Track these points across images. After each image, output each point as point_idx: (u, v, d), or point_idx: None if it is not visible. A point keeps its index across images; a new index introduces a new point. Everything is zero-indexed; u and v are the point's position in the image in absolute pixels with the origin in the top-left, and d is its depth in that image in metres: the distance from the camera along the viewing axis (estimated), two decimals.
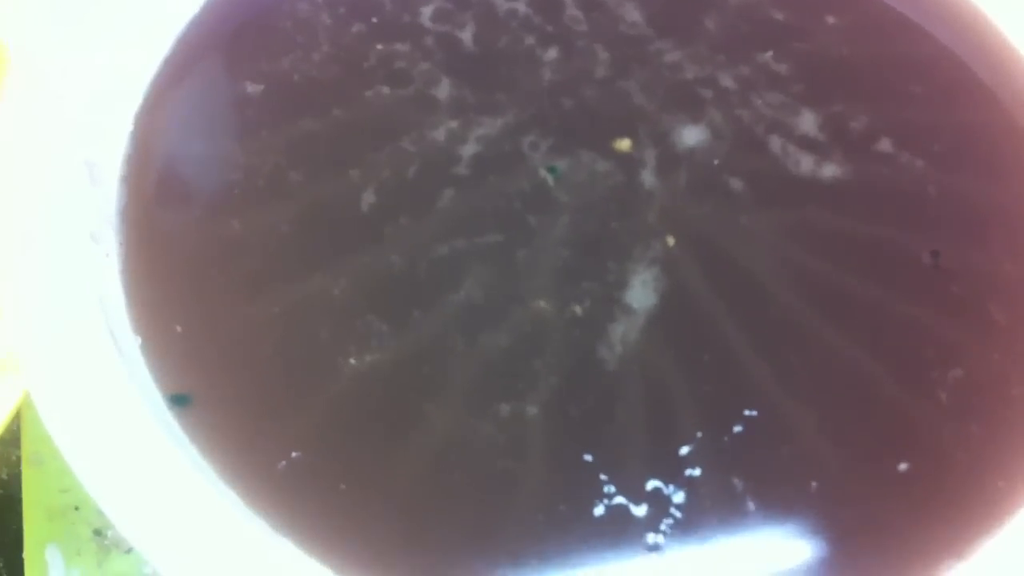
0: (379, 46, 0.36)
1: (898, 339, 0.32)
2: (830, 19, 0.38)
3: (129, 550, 0.35)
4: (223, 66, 0.36)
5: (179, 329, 0.31)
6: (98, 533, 0.36)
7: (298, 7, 0.37)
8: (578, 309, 0.32)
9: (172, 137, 0.34)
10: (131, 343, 0.31)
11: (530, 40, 0.37)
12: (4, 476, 0.37)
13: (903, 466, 0.30)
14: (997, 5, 0.38)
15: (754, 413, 0.31)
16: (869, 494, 0.30)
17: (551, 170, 0.34)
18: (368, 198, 0.33)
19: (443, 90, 0.36)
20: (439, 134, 0.35)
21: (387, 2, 0.37)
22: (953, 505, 0.30)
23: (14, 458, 0.37)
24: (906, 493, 0.30)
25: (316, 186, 0.34)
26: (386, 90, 0.35)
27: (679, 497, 0.29)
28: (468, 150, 0.34)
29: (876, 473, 0.30)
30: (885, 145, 0.35)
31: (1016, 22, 0.38)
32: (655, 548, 0.29)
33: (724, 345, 0.32)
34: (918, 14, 0.38)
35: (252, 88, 0.35)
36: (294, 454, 0.30)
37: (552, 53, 0.36)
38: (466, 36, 0.37)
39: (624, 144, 0.35)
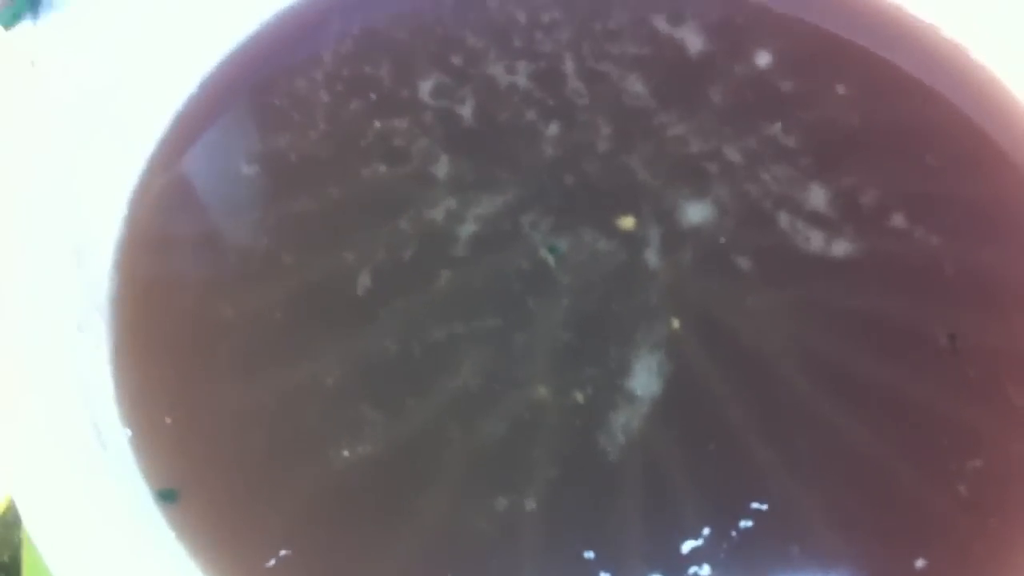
0: (377, 123, 0.36)
1: (914, 427, 0.31)
2: (840, 88, 0.37)
3: None
4: (219, 146, 0.36)
5: (169, 421, 0.30)
6: None
7: (296, 84, 0.36)
8: (579, 396, 0.31)
9: (168, 220, 0.34)
10: (119, 436, 0.30)
11: (531, 114, 0.36)
12: (5, 559, 0.37)
13: (920, 563, 0.29)
14: (1015, 71, 0.37)
15: (763, 507, 0.29)
16: None
17: (552, 250, 0.33)
18: (364, 281, 0.33)
19: (442, 167, 0.35)
20: (437, 213, 0.34)
21: (385, 77, 0.37)
22: None
23: (16, 540, 0.36)
24: None
25: (311, 270, 0.33)
26: (383, 168, 0.35)
27: None
28: (466, 230, 0.34)
29: (891, 571, 0.29)
30: (898, 220, 0.34)
31: None
32: None
33: (730, 434, 0.30)
34: (933, 81, 0.37)
35: (248, 169, 0.35)
36: (283, 552, 0.29)
37: (554, 127, 0.36)
38: (466, 111, 0.36)
39: (628, 222, 0.34)
